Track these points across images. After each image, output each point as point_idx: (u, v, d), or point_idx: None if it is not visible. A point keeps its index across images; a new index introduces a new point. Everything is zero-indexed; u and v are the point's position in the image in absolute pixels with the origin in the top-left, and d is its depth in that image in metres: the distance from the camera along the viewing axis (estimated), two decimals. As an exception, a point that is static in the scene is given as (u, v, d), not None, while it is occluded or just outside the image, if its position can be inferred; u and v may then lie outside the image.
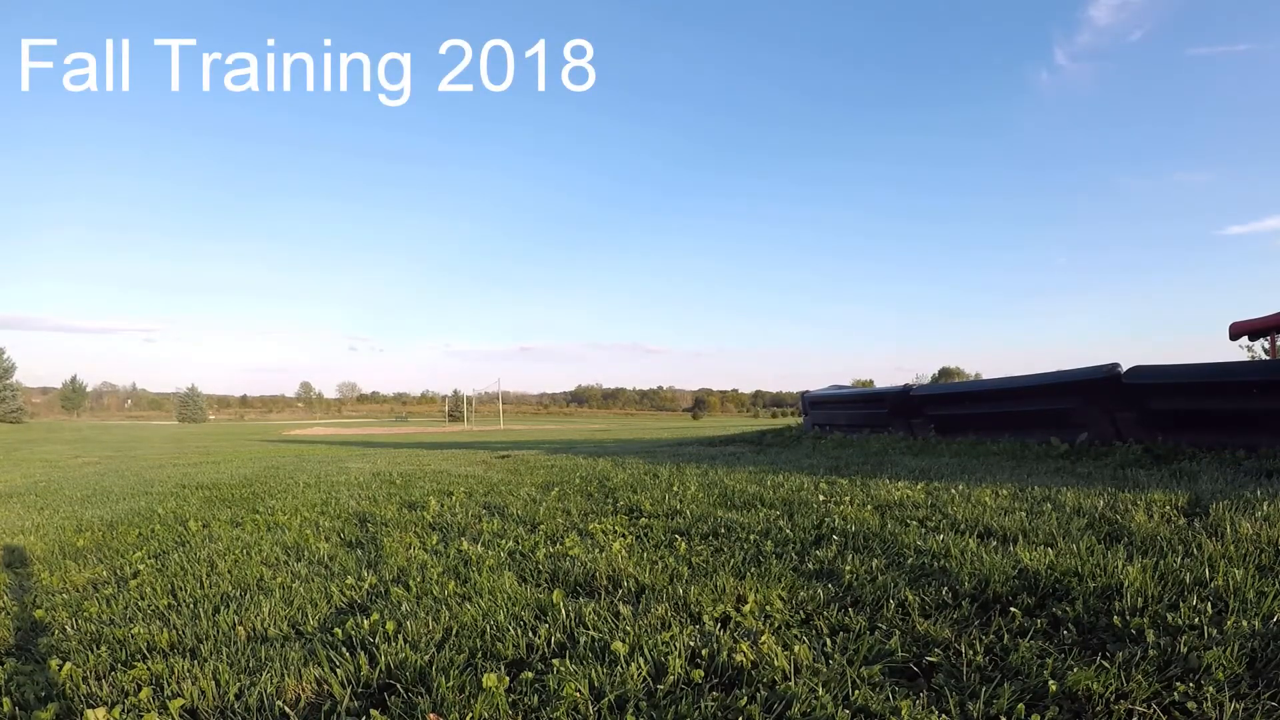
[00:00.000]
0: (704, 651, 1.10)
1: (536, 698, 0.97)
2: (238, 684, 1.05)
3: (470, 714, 0.93)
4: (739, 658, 1.06)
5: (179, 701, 1.00)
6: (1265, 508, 1.89)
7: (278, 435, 19.43)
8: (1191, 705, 0.89)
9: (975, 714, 0.90)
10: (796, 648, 1.09)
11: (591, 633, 1.18)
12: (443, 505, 2.57)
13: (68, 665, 1.14)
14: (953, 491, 2.47)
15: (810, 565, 1.58)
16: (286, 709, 0.99)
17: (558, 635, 1.19)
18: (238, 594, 1.53)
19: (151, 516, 2.70)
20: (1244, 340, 6.87)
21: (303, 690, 1.04)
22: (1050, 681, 0.94)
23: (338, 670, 1.08)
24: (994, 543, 1.68)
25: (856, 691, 0.95)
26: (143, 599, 1.54)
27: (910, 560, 1.56)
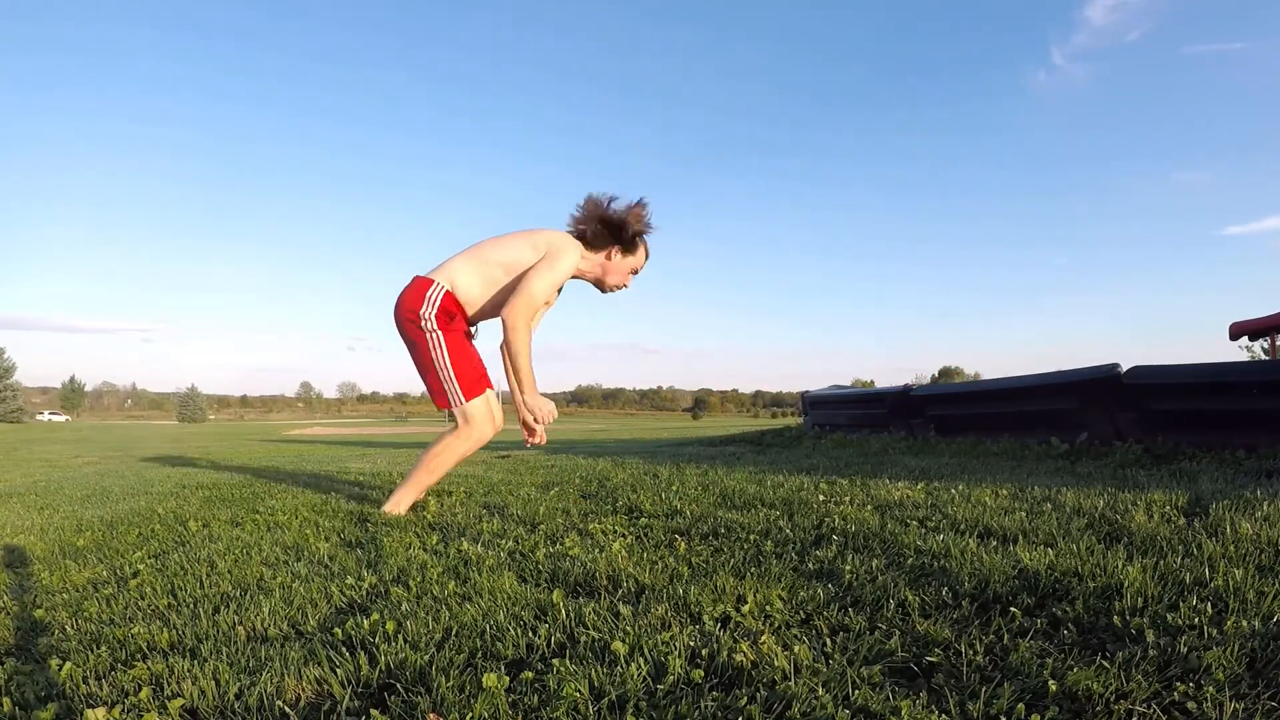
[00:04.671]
0: (704, 651, 1.10)
1: (536, 697, 0.97)
2: (238, 684, 1.05)
3: (470, 714, 0.93)
4: (739, 658, 1.06)
5: (179, 701, 1.00)
6: (1265, 508, 1.89)
7: (278, 435, 19.44)
8: (1191, 705, 0.89)
9: (975, 714, 0.90)
10: (796, 648, 1.09)
11: (591, 633, 1.18)
12: (442, 505, 2.57)
13: (68, 665, 1.14)
14: (953, 491, 2.47)
15: (810, 565, 1.58)
16: (286, 709, 0.99)
17: (558, 635, 1.19)
18: (238, 594, 1.53)
19: (151, 516, 2.70)
20: (1244, 340, 6.88)
21: (303, 690, 1.04)
22: (1050, 681, 0.94)
23: (338, 670, 1.08)
24: (994, 543, 1.68)
25: (856, 691, 0.95)
26: (143, 599, 1.54)
27: (910, 560, 1.56)
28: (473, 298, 2.45)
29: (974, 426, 5.00)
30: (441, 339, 2.39)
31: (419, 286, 2.41)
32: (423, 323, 2.37)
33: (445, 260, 2.48)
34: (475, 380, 2.46)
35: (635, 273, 2.56)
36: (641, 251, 2.54)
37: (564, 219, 2.51)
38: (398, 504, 2.49)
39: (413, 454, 6.53)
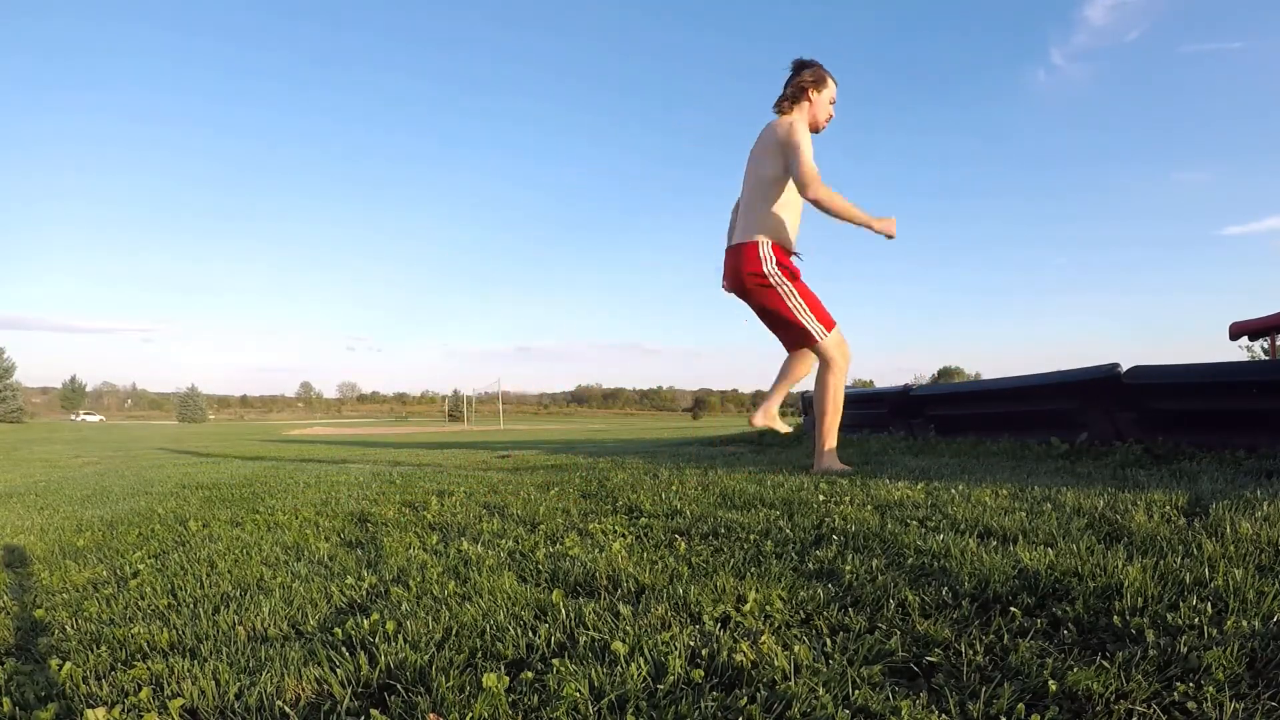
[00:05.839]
0: (704, 651, 1.10)
1: (536, 698, 0.97)
2: (238, 684, 1.05)
3: (470, 714, 0.93)
4: (739, 658, 1.06)
5: (179, 701, 1.00)
6: (1265, 508, 1.89)
7: (278, 435, 19.43)
8: (1191, 705, 0.89)
9: (975, 714, 0.90)
10: (796, 648, 1.09)
11: (591, 633, 1.18)
12: (443, 505, 2.57)
13: (68, 665, 1.14)
14: (953, 491, 2.47)
15: (810, 565, 1.58)
16: (286, 709, 0.99)
17: (558, 635, 1.19)
18: (238, 594, 1.53)
19: (151, 516, 2.70)
20: (1244, 340, 6.87)
21: (303, 690, 1.04)
22: (1050, 681, 0.94)
23: (338, 670, 1.08)
24: (994, 543, 1.68)
25: (856, 691, 0.95)
26: (143, 599, 1.54)
27: (910, 560, 1.56)
28: (784, 232, 2.84)
29: (974, 426, 4.99)
30: (792, 287, 2.79)
31: (749, 251, 2.79)
32: (771, 280, 2.75)
33: (740, 219, 2.90)
34: (828, 315, 2.87)
35: (833, 102, 3.04)
36: (829, 80, 3.00)
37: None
38: (830, 451, 2.96)
39: (413, 453, 6.53)
